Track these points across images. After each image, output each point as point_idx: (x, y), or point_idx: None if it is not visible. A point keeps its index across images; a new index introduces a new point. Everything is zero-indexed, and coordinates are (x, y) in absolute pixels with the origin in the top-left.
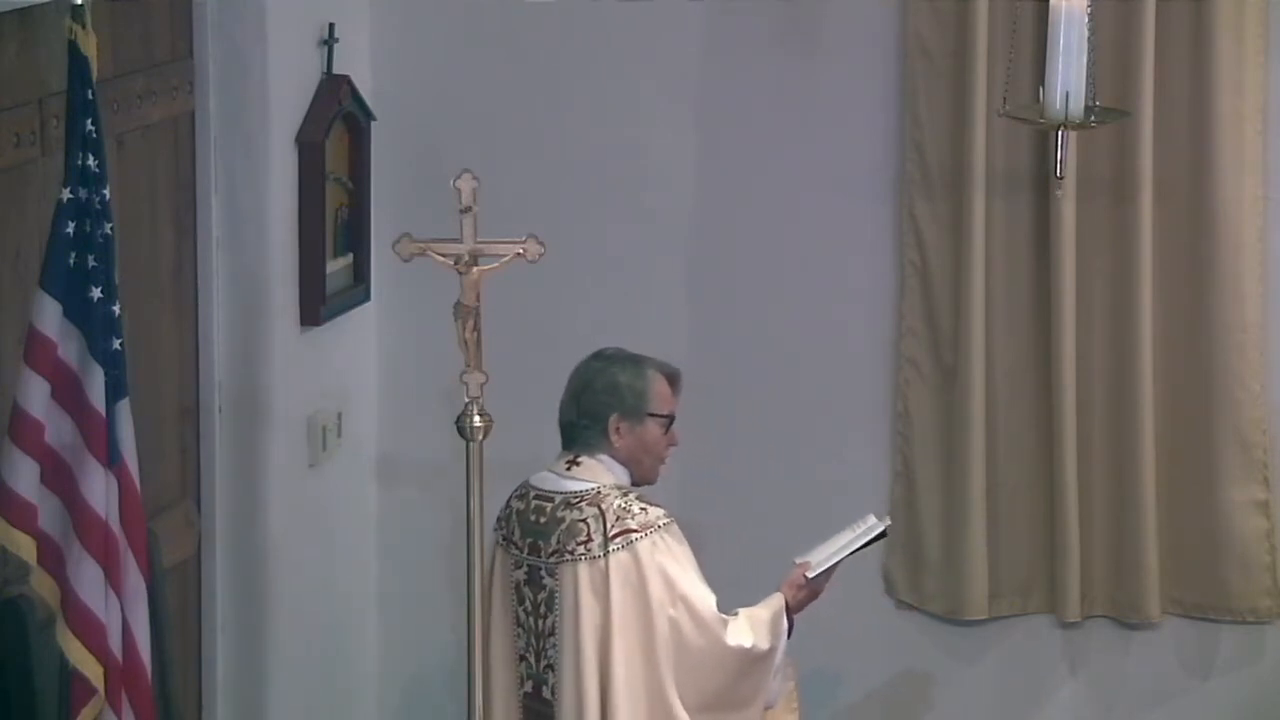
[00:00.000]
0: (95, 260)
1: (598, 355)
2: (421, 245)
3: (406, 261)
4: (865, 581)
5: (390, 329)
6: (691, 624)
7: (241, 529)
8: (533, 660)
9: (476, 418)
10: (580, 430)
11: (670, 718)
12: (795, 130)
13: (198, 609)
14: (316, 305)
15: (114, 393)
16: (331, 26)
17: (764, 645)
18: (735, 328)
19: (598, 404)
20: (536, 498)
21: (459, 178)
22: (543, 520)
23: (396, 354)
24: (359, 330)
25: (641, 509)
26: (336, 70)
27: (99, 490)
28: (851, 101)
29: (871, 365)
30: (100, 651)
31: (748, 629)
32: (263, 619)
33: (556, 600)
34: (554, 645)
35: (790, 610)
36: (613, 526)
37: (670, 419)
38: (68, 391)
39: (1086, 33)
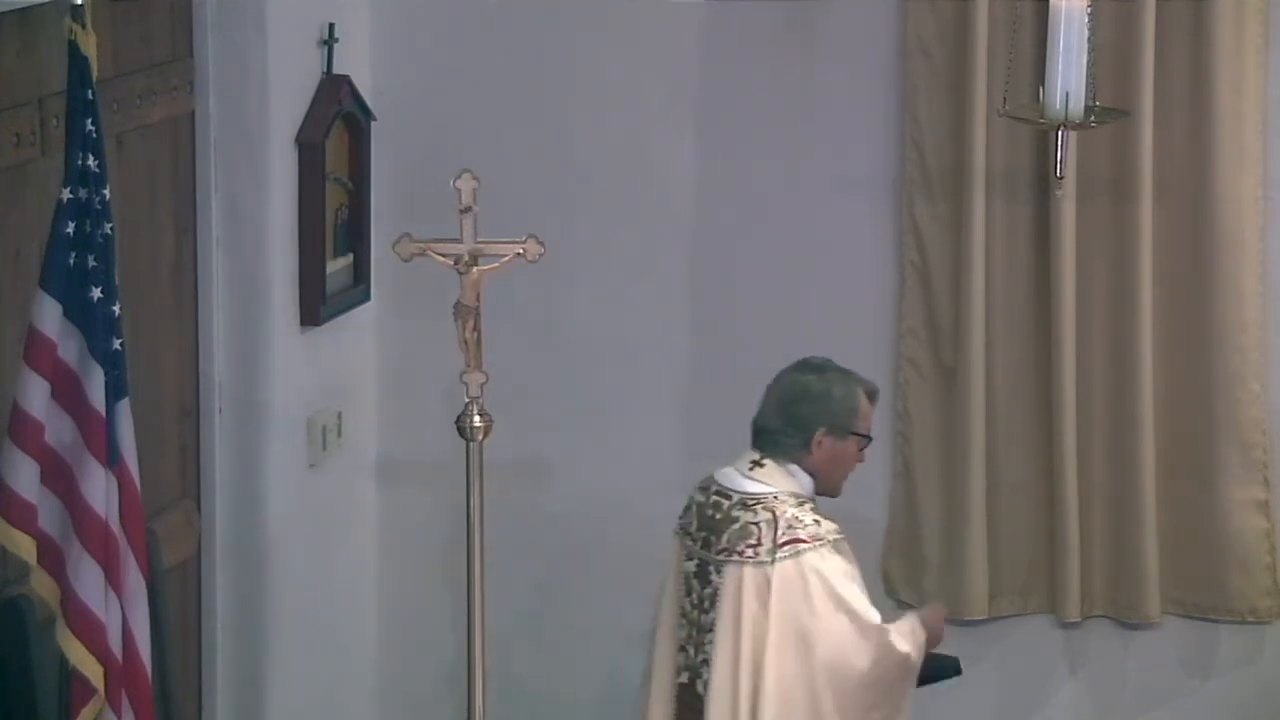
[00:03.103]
0: (95, 260)
1: (807, 366)
2: (421, 245)
3: (406, 261)
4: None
5: (390, 329)
6: (854, 635)
7: (241, 529)
8: (691, 652)
9: (476, 418)
10: (779, 437)
11: (825, 711)
12: (795, 130)
13: (198, 609)
14: (316, 305)
15: (114, 393)
16: (331, 26)
17: (916, 656)
18: (735, 328)
19: (807, 416)
20: (716, 493)
21: (459, 178)
22: (717, 516)
23: (396, 354)
24: (359, 330)
25: (815, 520)
26: (336, 70)
27: (99, 490)
28: (851, 101)
29: (871, 365)
30: (100, 651)
31: (905, 639)
32: (263, 619)
33: (719, 598)
34: (711, 642)
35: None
36: (783, 534)
37: (868, 437)
38: (68, 391)
39: (1086, 33)
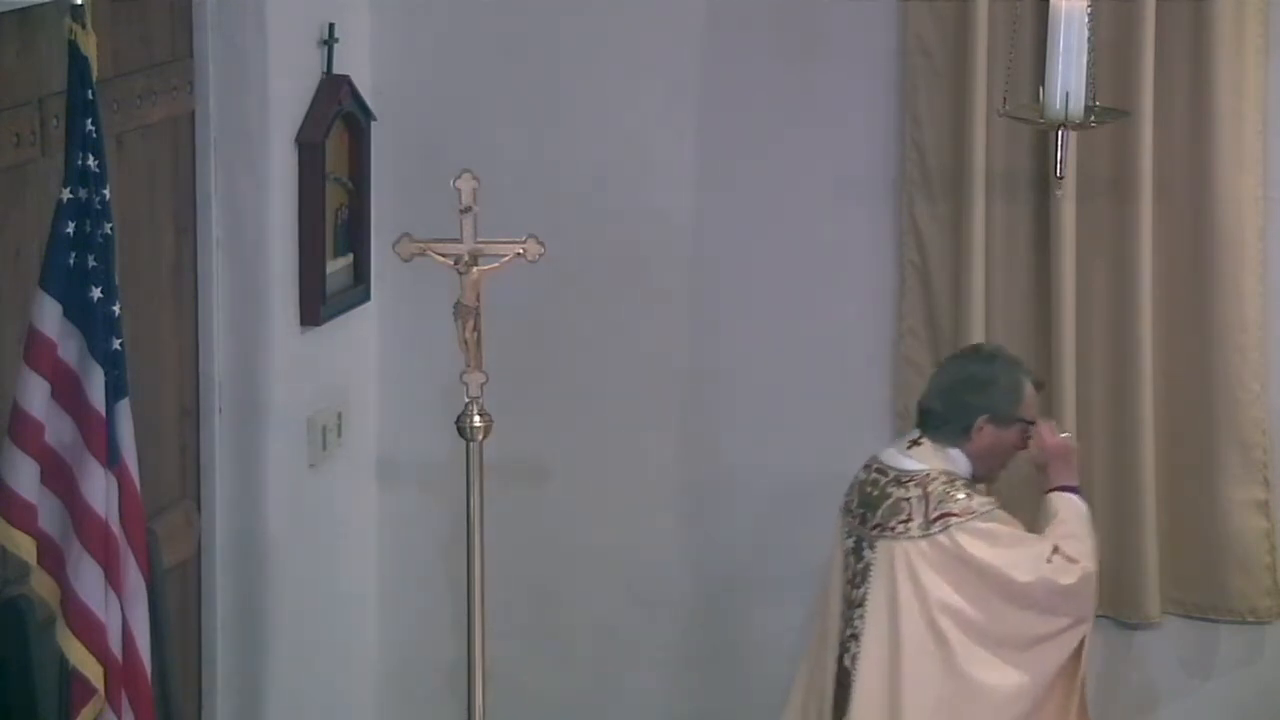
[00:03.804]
0: (95, 260)
1: (978, 353)
2: (421, 245)
3: (406, 261)
4: None
5: (390, 329)
6: (1010, 603)
7: (241, 529)
8: (842, 627)
9: (476, 418)
10: (942, 421)
11: (973, 698)
12: (795, 130)
13: (198, 609)
14: (316, 305)
15: (114, 393)
16: (331, 26)
17: (1087, 563)
18: (735, 328)
19: (970, 402)
20: (876, 470)
21: (459, 178)
22: (874, 493)
23: (396, 354)
24: (359, 330)
25: (966, 495)
26: (336, 70)
27: (99, 490)
28: (851, 101)
29: (871, 365)
30: (100, 651)
31: (1065, 571)
32: (263, 619)
33: (871, 573)
34: (861, 617)
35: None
36: (934, 510)
37: (1031, 422)
38: (68, 391)
39: (1086, 33)
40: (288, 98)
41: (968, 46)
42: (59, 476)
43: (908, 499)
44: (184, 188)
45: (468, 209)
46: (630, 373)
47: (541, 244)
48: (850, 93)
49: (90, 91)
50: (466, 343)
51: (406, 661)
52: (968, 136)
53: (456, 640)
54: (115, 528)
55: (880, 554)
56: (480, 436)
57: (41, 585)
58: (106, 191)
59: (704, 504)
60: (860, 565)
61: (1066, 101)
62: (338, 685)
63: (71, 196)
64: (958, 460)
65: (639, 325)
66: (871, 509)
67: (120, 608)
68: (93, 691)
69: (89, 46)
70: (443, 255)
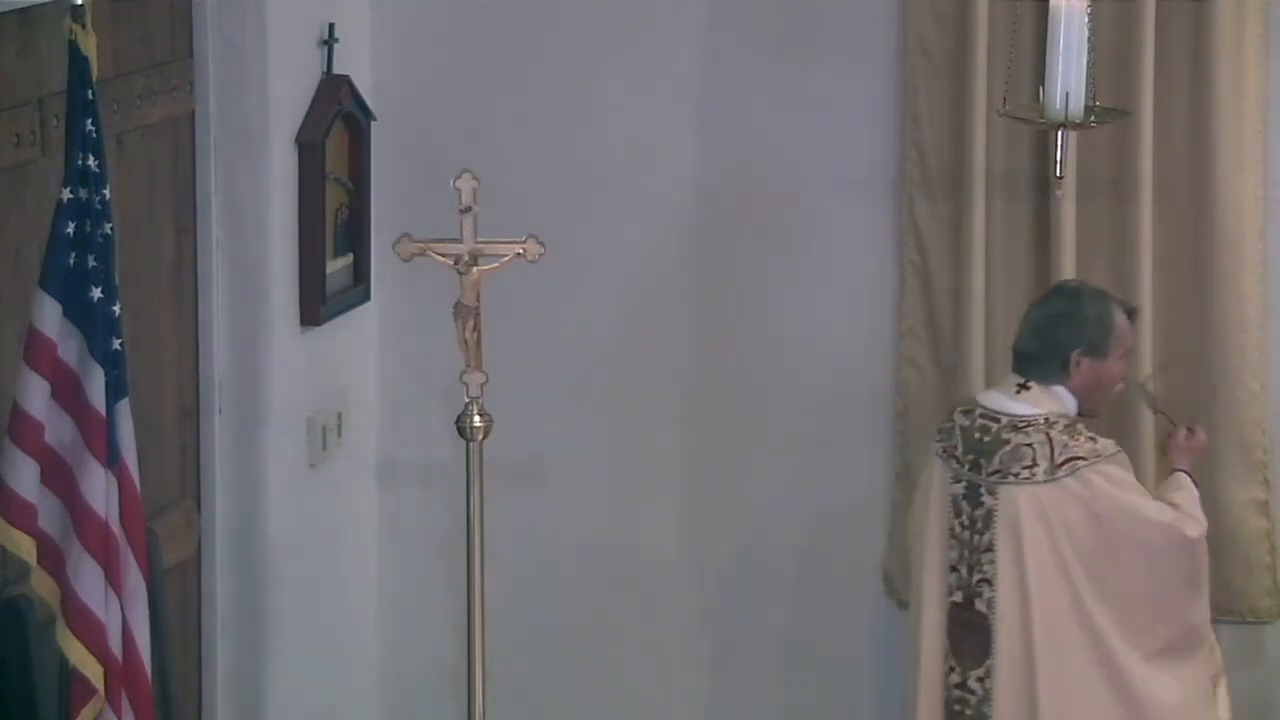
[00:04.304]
0: (95, 260)
1: (1061, 290)
2: (421, 245)
3: (406, 261)
4: (865, 581)
5: (390, 329)
6: (1153, 534)
7: (241, 529)
8: (964, 572)
9: (476, 418)
10: (1038, 361)
11: (1101, 637)
12: (795, 130)
13: (198, 609)
14: (316, 305)
15: (114, 393)
16: (331, 26)
17: (1203, 531)
18: (735, 328)
19: (1063, 338)
20: (982, 416)
21: (459, 178)
22: (986, 439)
23: (396, 354)
24: (359, 330)
25: (1090, 438)
26: (336, 70)
27: (99, 490)
28: (851, 101)
29: (871, 365)
30: (100, 651)
31: (1191, 524)
32: (263, 619)
33: (995, 518)
34: (991, 561)
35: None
36: (1060, 454)
37: (1127, 354)
38: (68, 391)
39: (1086, 33)
40: (288, 98)
41: (968, 46)
42: (59, 476)
43: (1029, 444)
44: (184, 188)
45: (468, 209)
46: (630, 372)
47: (541, 244)
48: (850, 93)
49: (90, 91)
50: (466, 343)
51: (406, 661)
52: (968, 136)
53: (456, 640)
54: (115, 528)
55: (1003, 499)
56: (480, 436)
57: (41, 585)
58: (106, 191)
59: (704, 504)
60: (980, 511)
61: (1066, 101)
62: (338, 685)
63: (71, 196)
64: (1065, 399)
65: (639, 325)
66: (986, 455)
67: (120, 608)
68: (93, 691)
69: (89, 46)
70: (443, 255)
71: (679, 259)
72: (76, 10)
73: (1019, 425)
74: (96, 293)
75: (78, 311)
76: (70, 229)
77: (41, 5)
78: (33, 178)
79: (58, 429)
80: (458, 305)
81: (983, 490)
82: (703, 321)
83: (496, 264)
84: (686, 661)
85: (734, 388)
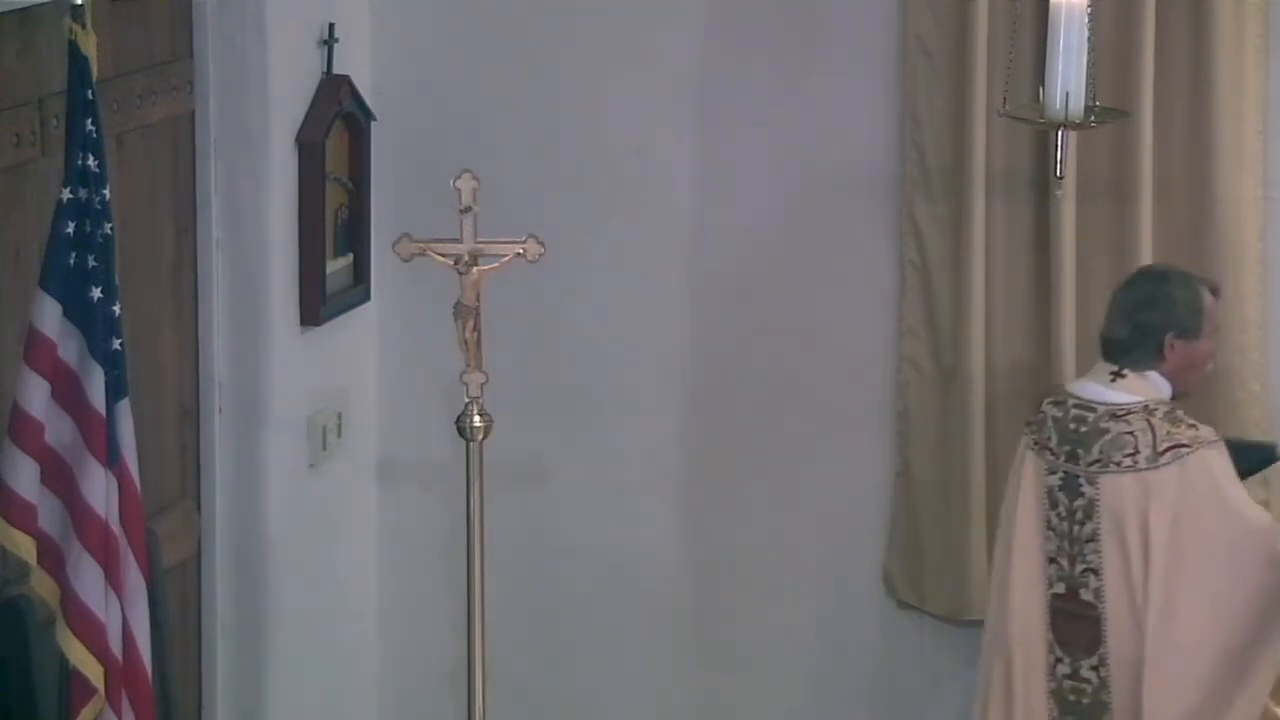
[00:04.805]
0: (95, 260)
1: (1147, 274)
2: (421, 245)
3: (406, 261)
4: (865, 581)
5: (390, 329)
6: (1245, 535)
7: (241, 529)
8: (1065, 564)
9: (476, 418)
10: (1131, 347)
11: (1217, 618)
12: (795, 130)
13: (198, 609)
14: (316, 305)
15: (114, 393)
16: (331, 26)
17: None
18: (735, 328)
19: (1154, 322)
20: (1076, 406)
21: (459, 178)
22: (1083, 429)
23: (396, 354)
24: (359, 330)
25: (1191, 425)
26: (336, 70)
27: (99, 490)
28: (851, 101)
29: (871, 365)
30: (100, 651)
31: None
32: (263, 619)
33: (1097, 508)
34: (1095, 551)
35: None
36: (1162, 441)
37: (1215, 332)
38: (68, 391)
39: (1086, 33)
40: (288, 98)
41: (968, 46)
42: (59, 476)
43: (1130, 433)
44: (184, 188)
45: (468, 209)
46: (630, 373)
47: (541, 244)
48: (850, 93)
49: (90, 91)
50: (466, 343)
51: (406, 661)
52: (968, 136)
53: (456, 640)
54: (115, 528)
55: (1105, 489)
56: (480, 436)
57: (41, 585)
58: (106, 191)
59: (704, 504)
60: (1079, 502)
61: (1066, 101)
62: (338, 685)
63: (71, 196)
64: (1160, 384)
65: (639, 325)
66: (1083, 445)
67: (120, 608)
68: (93, 691)
69: (89, 46)
70: (443, 255)
71: (679, 259)
72: (76, 10)
73: (1118, 414)
74: (96, 293)
75: (78, 311)
76: (70, 229)
77: (41, 5)
78: (33, 178)
79: (58, 429)
80: (458, 305)
81: (1082, 480)
82: (702, 321)
83: (496, 264)
84: (686, 661)
85: (734, 388)
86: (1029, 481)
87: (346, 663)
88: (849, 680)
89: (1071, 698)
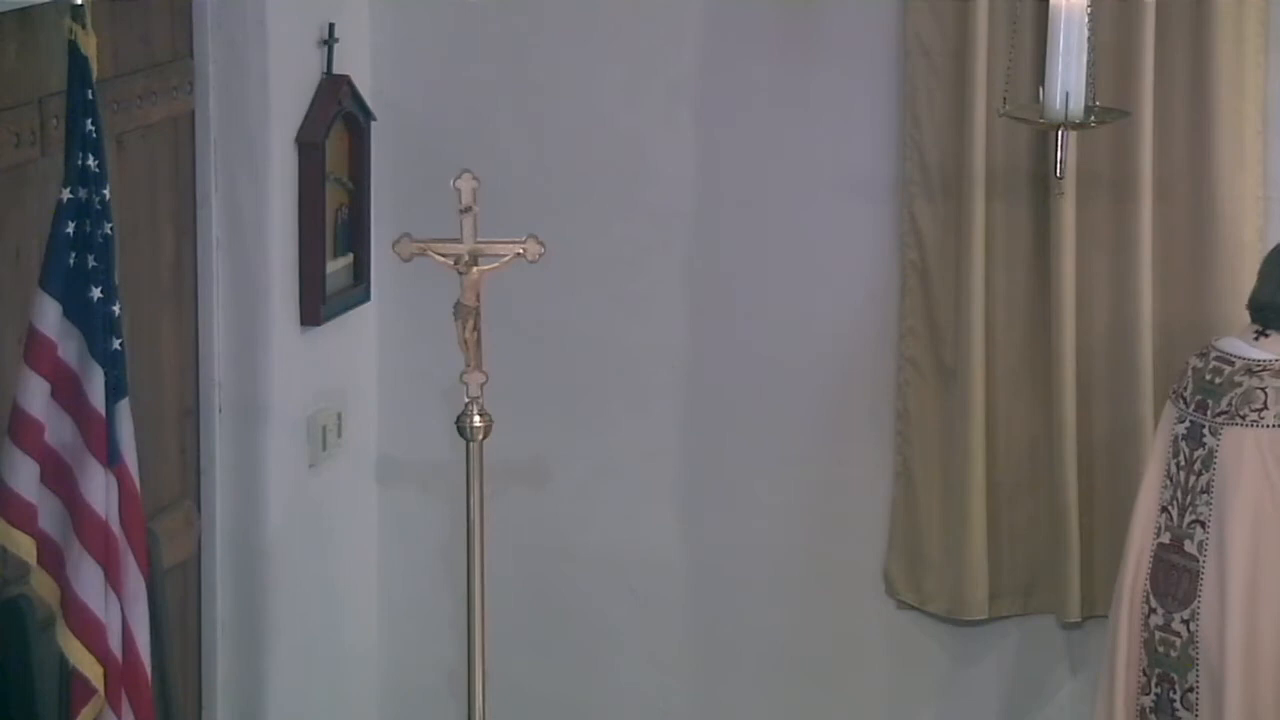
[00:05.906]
0: (95, 260)
1: None
2: (421, 245)
3: (406, 261)
4: (865, 581)
5: (390, 329)
6: None
7: (241, 529)
8: (1175, 514)
9: (476, 418)
10: (1277, 308)
11: None
12: (795, 130)
13: (198, 609)
14: (316, 305)
15: (114, 393)
16: (331, 26)
17: None
18: (735, 328)
19: None
20: (1217, 359)
21: (459, 178)
22: (1218, 381)
23: (396, 354)
24: (359, 330)
25: None
26: (336, 70)
27: (99, 490)
28: (851, 101)
29: (871, 365)
30: (100, 651)
31: None
32: (263, 619)
33: (1215, 460)
34: (1207, 503)
35: None
36: None
37: None
38: (68, 391)
39: (1086, 33)
40: (288, 98)
41: (968, 46)
42: (59, 476)
43: (1263, 388)
44: (184, 188)
45: (468, 209)
46: (630, 372)
47: (541, 244)
48: (850, 93)
49: (90, 91)
50: (466, 343)
51: (406, 662)
52: (968, 136)
53: (456, 640)
54: (115, 528)
55: (1226, 440)
56: (480, 436)
57: (41, 585)
58: (106, 191)
59: (704, 504)
60: (1200, 452)
61: (1066, 101)
62: (338, 685)
63: (71, 196)
64: None
65: (639, 325)
66: (1214, 396)
67: (120, 608)
68: (93, 691)
69: (89, 46)
70: (443, 255)
71: (678, 259)
72: (76, 10)
73: (1254, 369)
74: (96, 293)
75: (78, 311)
76: (70, 229)
77: (41, 5)
78: (33, 178)
79: (58, 429)
80: (458, 305)
81: (1206, 430)
82: (702, 321)
83: (496, 264)
84: (686, 662)
85: (734, 387)
86: (1162, 430)
87: (346, 662)
88: (849, 680)
89: (1160, 649)
